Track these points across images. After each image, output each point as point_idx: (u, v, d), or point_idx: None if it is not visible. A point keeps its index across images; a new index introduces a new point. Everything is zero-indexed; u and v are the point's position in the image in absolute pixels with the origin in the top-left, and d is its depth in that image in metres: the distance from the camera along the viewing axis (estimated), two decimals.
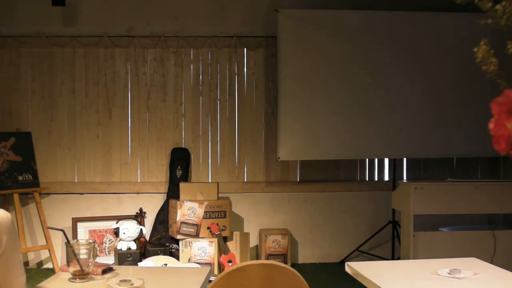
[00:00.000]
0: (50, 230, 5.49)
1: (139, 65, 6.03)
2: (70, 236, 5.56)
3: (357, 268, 2.48)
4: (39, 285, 2.26)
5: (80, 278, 2.34)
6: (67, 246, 2.36)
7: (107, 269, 2.46)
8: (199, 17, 6.03)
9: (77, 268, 2.34)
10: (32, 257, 5.83)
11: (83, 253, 2.36)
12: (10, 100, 5.90)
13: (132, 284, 2.26)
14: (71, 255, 2.34)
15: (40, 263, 5.84)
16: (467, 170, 6.25)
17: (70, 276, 2.36)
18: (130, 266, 3.12)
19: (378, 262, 2.72)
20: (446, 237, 5.08)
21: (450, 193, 5.08)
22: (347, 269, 2.57)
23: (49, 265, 5.73)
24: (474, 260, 2.69)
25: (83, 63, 5.97)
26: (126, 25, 5.98)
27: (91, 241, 2.45)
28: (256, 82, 6.11)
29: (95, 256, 2.41)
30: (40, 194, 5.64)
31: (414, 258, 4.84)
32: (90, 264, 2.37)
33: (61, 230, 2.44)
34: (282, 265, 2.03)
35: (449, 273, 2.38)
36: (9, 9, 5.85)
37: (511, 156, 1.01)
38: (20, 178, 5.51)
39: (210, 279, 2.43)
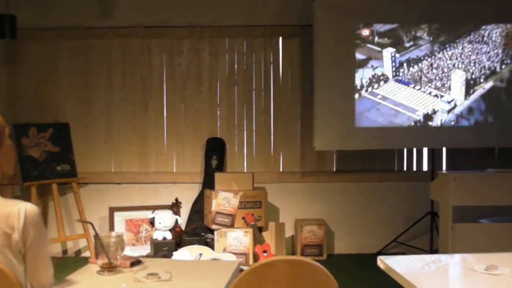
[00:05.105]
0: (87, 219, 5.55)
1: (174, 56, 6.03)
2: (106, 226, 5.67)
3: (390, 263, 2.41)
4: (68, 277, 2.27)
5: (108, 271, 2.35)
6: (95, 239, 2.36)
7: (136, 262, 2.46)
8: (234, 7, 5.98)
9: (106, 260, 2.35)
10: (71, 246, 5.93)
11: (111, 246, 2.36)
12: (49, 92, 5.98)
13: (159, 278, 2.26)
14: (99, 248, 2.35)
15: (78, 252, 5.94)
16: (510, 159, 6.05)
17: (99, 268, 2.37)
18: (159, 259, 3.13)
19: (412, 257, 2.65)
20: (486, 229, 4.92)
21: (491, 183, 4.92)
22: (379, 263, 2.50)
23: (87, 254, 5.81)
24: None
25: (119, 54, 6.00)
26: (161, 15, 5.97)
27: (119, 233, 2.45)
28: (291, 72, 6.04)
29: (123, 248, 2.40)
30: (78, 184, 5.70)
31: (453, 250, 4.72)
32: (118, 257, 2.37)
33: (89, 223, 2.44)
34: (310, 261, 1.98)
35: (485, 270, 2.29)
36: (47, 2, 5.91)
37: None
38: (58, 168, 5.59)
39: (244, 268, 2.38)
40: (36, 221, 2.03)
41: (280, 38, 6.05)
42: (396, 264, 2.39)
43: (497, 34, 5.68)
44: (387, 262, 2.42)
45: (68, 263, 5.43)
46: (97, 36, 5.96)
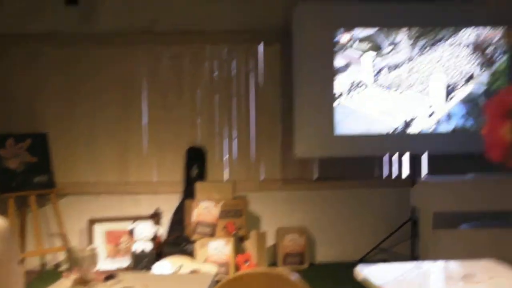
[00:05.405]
0: (66, 231, 5.46)
1: (155, 63, 5.97)
2: (86, 238, 5.58)
3: (366, 273, 2.39)
4: None
5: (82, 285, 2.30)
6: (68, 253, 2.31)
7: (110, 276, 2.41)
8: (215, 13, 5.93)
9: (79, 275, 2.30)
10: (50, 259, 5.81)
11: (84, 260, 2.32)
12: (28, 101, 5.89)
13: None
14: (72, 262, 2.30)
15: (58, 265, 5.82)
16: (491, 164, 6.04)
17: (72, 283, 2.32)
18: (135, 273, 3.08)
19: (390, 265, 2.62)
20: (467, 235, 4.92)
21: (472, 189, 4.94)
22: (356, 275, 2.47)
23: (66, 266, 5.71)
24: (491, 263, 2.58)
25: (100, 62, 5.93)
26: (142, 22, 5.91)
27: (93, 247, 2.40)
28: (272, 78, 6.01)
29: (96, 263, 2.36)
30: (57, 195, 5.61)
31: (434, 256, 4.70)
32: (91, 270, 2.33)
33: (63, 235, 2.39)
34: (281, 273, 1.95)
35: (463, 278, 2.28)
36: (23, 8, 5.83)
37: (508, 165, 0.91)
38: (36, 179, 5.50)
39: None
40: (3, 236, 1.98)
41: (261, 44, 6.02)
42: (373, 274, 2.36)
43: (476, 37, 5.71)
44: (363, 273, 2.39)
45: (48, 276, 5.32)
46: (77, 43, 5.89)
